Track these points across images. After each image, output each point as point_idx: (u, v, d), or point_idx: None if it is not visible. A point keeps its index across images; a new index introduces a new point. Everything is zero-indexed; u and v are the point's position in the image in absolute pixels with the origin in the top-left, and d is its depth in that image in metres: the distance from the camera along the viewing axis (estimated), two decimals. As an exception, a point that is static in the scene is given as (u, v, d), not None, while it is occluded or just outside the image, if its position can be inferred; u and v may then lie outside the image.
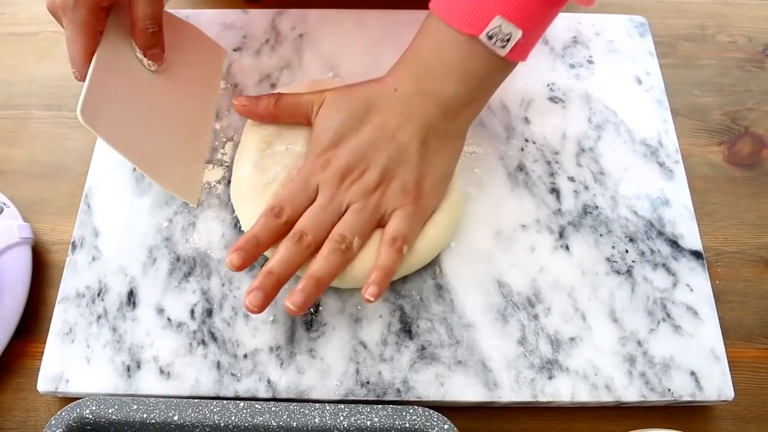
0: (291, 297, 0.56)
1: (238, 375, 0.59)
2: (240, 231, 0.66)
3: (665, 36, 0.82)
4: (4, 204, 0.68)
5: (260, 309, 0.56)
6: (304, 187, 0.61)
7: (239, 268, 0.58)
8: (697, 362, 0.60)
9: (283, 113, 0.66)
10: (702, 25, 0.84)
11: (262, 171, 0.64)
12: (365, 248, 0.60)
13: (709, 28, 0.84)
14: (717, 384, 0.59)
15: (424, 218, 0.62)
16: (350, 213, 0.60)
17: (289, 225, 0.60)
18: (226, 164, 0.69)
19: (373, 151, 0.61)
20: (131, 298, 0.63)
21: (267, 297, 0.57)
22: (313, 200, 0.61)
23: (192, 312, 0.62)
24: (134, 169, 0.69)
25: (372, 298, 0.56)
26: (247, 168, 0.64)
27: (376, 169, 0.61)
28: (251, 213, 0.62)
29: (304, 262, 0.59)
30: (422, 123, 0.62)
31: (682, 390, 0.59)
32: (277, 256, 0.58)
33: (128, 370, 0.60)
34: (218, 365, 0.60)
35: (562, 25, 0.79)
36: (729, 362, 0.60)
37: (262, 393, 0.59)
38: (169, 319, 0.62)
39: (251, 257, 0.58)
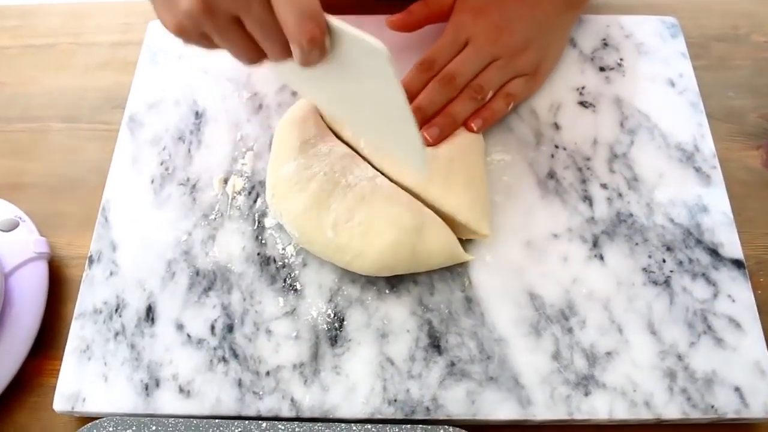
0: (428, 129, 0.64)
1: (261, 393, 0.58)
2: (261, 243, 0.64)
3: (697, 37, 0.79)
4: (20, 218, 0.67)
5: None
6: (453, 41, 0.68)
7: None
8: (742, 377, 0.57)
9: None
10: (735, 24, 0.81)
11: (306, 168, 0.62)
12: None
13: (742, 27, 0.81)
14: (763, 399, 0.56)
15: (534, 91, 0.72)
16: (494, 68, 0.67)
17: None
18: (246, 175, 0.68)
19: (517, 17, 0.69)
20: (150, 313, 0.62)
21: None
22: (460, 52, 0.67)
23: (212, 328, 0.61)
24: (152, 181, 0.68)
25: (476, 129, 0.66)
26: (291, 166, 0.63)
27: (522, 34, 0.68)
28: (299, 203, 0.61)
29: (448, 103, 0.65)
30: (556, 5, 0.70)
31: (726, 407, 0.56)
32: (426, 96, 0.65)
33: (147, 388, 0.58)
34: (240, 383, 0.58)
35: (591, 28, 0.77)
36: None
37: (286, 412, 0.57)
38: (188, 336, 0.60)
39: None
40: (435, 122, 0.64)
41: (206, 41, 0.52)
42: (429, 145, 0.64)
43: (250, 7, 0.47)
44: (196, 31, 0.50)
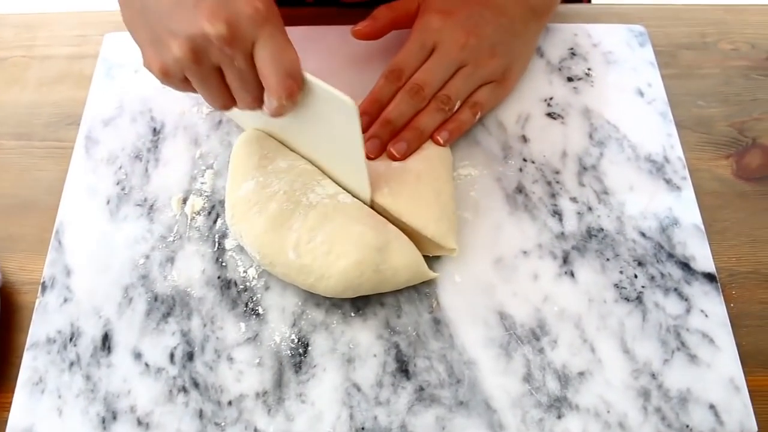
0: (396, 144, 0.63)
1: (223, 424, 0.56)
2: (222, 266, 0.62)
3: (665, 45, 0.78)
4: (-31, 243, 0.64)
5: (377, 155, 0.63)
6: (420, 47, 0.67)
7: (366, 130, 0.63)
8: (716, 394, 0.56)
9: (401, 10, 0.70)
10: (703, 32, 0.80)
11: (264, 187, 0.60)
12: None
13: (710, 35, 0.80)
14: (738, 417, 0.55)
15: (503, 99, 0.71)
16: (461, 76, 0.66)
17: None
18: (205, 194, 0.66)
19: (484, 22, 0.68)
20: (106, 342, 0.59)
21: (383, 145, 0.63)
22: (427, 59, 0.66)
23: (171, 356, 0.58)
24: (108, 202, 0.65)
25: (443, 142, 0.64)
26: (250, 185, 0.61)
27: (489, 38, 0.67)
28: (258, 224, 0.59)
29: (416, 115, 0.64)
30: (522, 11, 0.69)
31: (701, 425, 0.55)
32: (395, 107, 0.64)
33: (103, 422, 0.56)
34: (201, 414, 0.56)
35: (558, 37, 0.76)
36: (750, 392, 0.56)
37: None
38: (146, 365, 0.58)
39: (374, 119, 0.64)
40: (402, 137, 0.63)
41: (185, 85, 0.55)
42: (396, 160, 0.63)
43: (234, 61, 0.51)
44: (180, 76, 0.54)
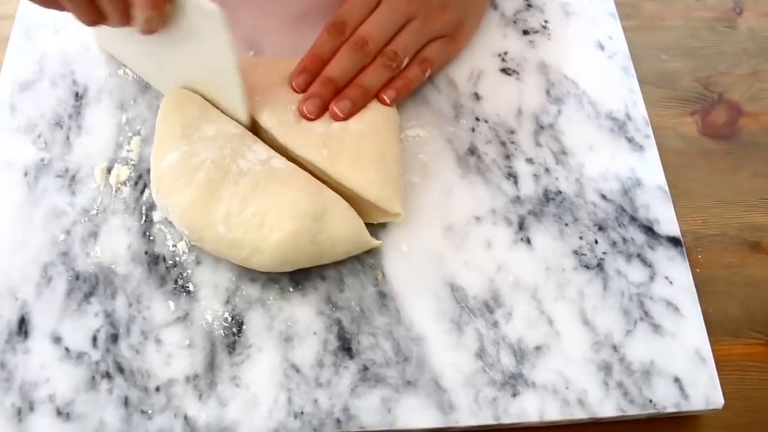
0: (338, 103, 0.58)
1: (150, 412, 0.51)
2: (149, 240, 0.57)
3: (627, -5, 0.75)
4: None
5: (317, 116, 0.58)
6: (365, 0, 0.62)
7: (304, 89, 0.59)
8: (681, 366, 0.53)
9: None
10: (666, -19, 0.77)
11: (190, 156, 0.56)
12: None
13: (673, -15, 0.77)
14: (704, 390, 0.53)
15: (454, 56, 0.67)
16: (409, 30, 0.62)
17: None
18: (132, 162, 0.61)
19: None
20: (22, 326, 0.55)
21: (324, 105, 0.59)
22: (373, 12, 0.62)
23: (94, 339, 0.54)
24: (25, 174, 0.60)
25: (389, 101, 0.60)
26: (174, 155, 0.56)
27: None
28: (185, 198, 0.54)
29: (360, 72, 0.60)
30: None
31: (665, 400, 0.52)
32: (337, 64, 0.60)
33: (19, 413, 0.52)
34: (126, 401, 0.52)
35: (513, -14, 0.72)
36: (716, 363, 0.54)
37: None
38: (67, 349, 0.54)
39: (315, 77, 0.60)
40: (346, 94, 0.59)
41: (52, 2, 0.53)
42: (339, 119, 0.58)
43: None
44: None
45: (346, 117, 0.58)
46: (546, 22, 0.70)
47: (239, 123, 0.59)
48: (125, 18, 0.52)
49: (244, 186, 0.54)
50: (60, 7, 0.53)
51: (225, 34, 0.52)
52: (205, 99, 0.60)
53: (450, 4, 0.63)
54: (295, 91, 0.60)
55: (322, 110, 0.59)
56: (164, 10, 0.52)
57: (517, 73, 0.67)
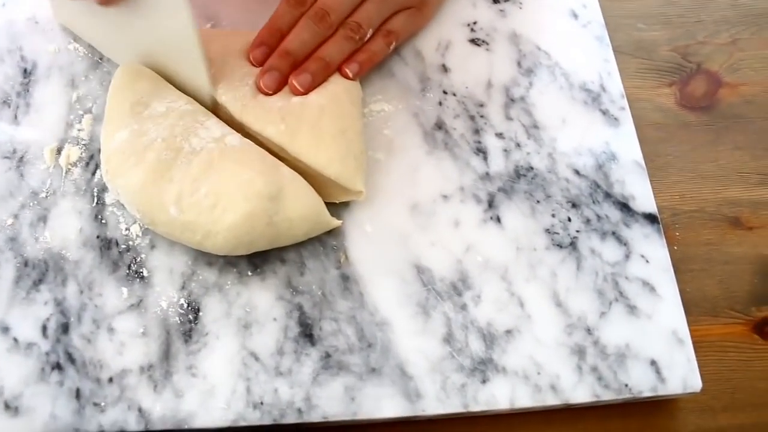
0: (298, 77, 0.56)
1: (103, 404, 0.49)
2: (102, 223, 0.55)
3: (601, -39, 0.72)
4: None
5: (275, 90, 0.56)
6: None
7: (262, 63, 0.57)
8: (658, 348, 0.52)
9: None
10: (642, -54, 0.74)
11: (140, 135, 0.53)
12: None
13: (649, -51, 0.74)
14: (681, 373, 0.51)
15: (421, 27, 0.65)
16: (372, 2, 0.59)
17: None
18: (83, 142, 0.58)
19: None
20: (-32, 315, 0.52)
21: (283, 78, 0.56)
22: None
23: (44, 329, 0.52)
24: (-30, 155, 0.57)
25: (351, 75, 0.58)
26: (123, 135, 0.54)
27: None
28: (135, 179, 0.52)
29: (321, 44, 0.58)
30: None
31: (641, 384, 0.51)
32: (296, 36, 0.57)
33: (-35, 407, 0.49)
34: (78, 393, 0.50)
35: (482, -47, 0.69)
36: (694, 345, 0.52)
37: (133, 425, 0.49)
38: (15, 340, 0.51)
39: (273, 50, 0.58)
40: (305, 67, 0.57)
41: None
42: (299, 94, 0.56)
43: None
44: None
45: (306, 91, 0.56)
46: (517, -11, 0.68)
47: (202, 98, 0.57)
48: None
49: (196, 165, 0.51)
50: None
51: (186, 8, 0.50)
52: (167, 74, 0.58)
53: None
54: (253, 64, 0.57)
55: (280, 84, 0.56)
56: None
57: (487, 44, 0.65)
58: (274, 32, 0.58)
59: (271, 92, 0.56)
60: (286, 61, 0.56)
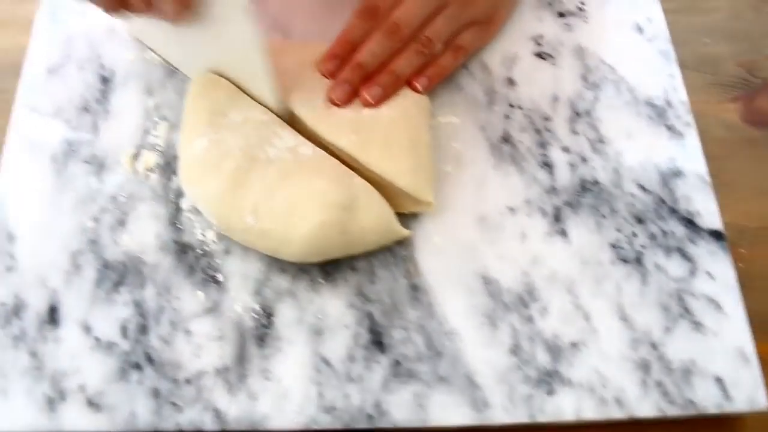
0: (369, 90, 0.57)
1: (180, 404, 0.51)
2: (178, 228, 0.57)
3: (667, -24, 0.72)
4: None
5: (346, 102, 0.57)
6: None
7: (334, 75, 0.58)
8: (723, 366, 0.52)
9: None
10: (709, -40, 0.74)
11: (218, 144, 0.55)
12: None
13: (717, -36, 0.74)
14: (747, 391, 0.51)
15: (488, 42, 0.65)
16: (443, 16, 0.60)
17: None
18: (159, 148, 0.61)
19: None
20: (53, 314, 0.54)
21: (354, 91, 0.58)
22: None
23: (124, 329, 0.54)
24: (53, 159, 0.61)
25: (421, 88, 0.59)
26: (202, 143, 0.55)
27: None
28: (213, 187, 0.54)
29: (392, 58, 0.59)
30: None
31: (706, 400, 0.51)
32: (368, 49, 0.58)
33: (51, 402, 0.51)
34: (156, 393, 0.51)
35: (548, -34, 0.70)
36: (760, 363, 0.52)
37: (209, 425, 0.50)
38: (97, 339, 0.53)
39: (345, 62, 0.59)
40: (377, 80, 0.58)
41: None
42: (369, 106, 0.57)
43: None
44: None
45: (377, 104, 0.57)
46: (582, 3, 0.68)
47: (273, 107, 0.58)
48: (148, 7, 0.52)
49: (272, 174, 0.53)
50: None
51: (252, 22, 0.51)
52: (235, 85, 0.59)
53: None
54: (325, 76, 0.58)
55: (351, 97, 0.57)
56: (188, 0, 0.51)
57: (553, 58, 0.65)
58: (346, 45, 0.59)
59: (342, 104, 0.57)
60: (357, 73, 0.58)
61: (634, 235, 0.56)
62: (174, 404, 0.51)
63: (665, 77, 0.64)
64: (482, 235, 0.56)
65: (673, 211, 0.57)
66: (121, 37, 0.66)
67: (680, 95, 0.63)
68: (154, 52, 0.65)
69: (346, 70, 0.58)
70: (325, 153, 0.55)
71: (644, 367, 0.51)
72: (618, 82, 0.64)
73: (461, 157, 0.60)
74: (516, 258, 0.55)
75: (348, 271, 0.55)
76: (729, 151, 0.63)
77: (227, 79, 0.59)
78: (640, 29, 0.67)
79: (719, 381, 0.51)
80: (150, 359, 0.52)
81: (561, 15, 0.68)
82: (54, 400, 0.51)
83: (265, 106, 0.58)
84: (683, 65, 0.65)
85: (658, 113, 0.62)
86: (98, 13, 0.65)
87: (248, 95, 0.59)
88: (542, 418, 0.50)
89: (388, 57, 0.59)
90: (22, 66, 0.65)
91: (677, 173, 0.59)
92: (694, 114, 0.62)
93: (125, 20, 0.64)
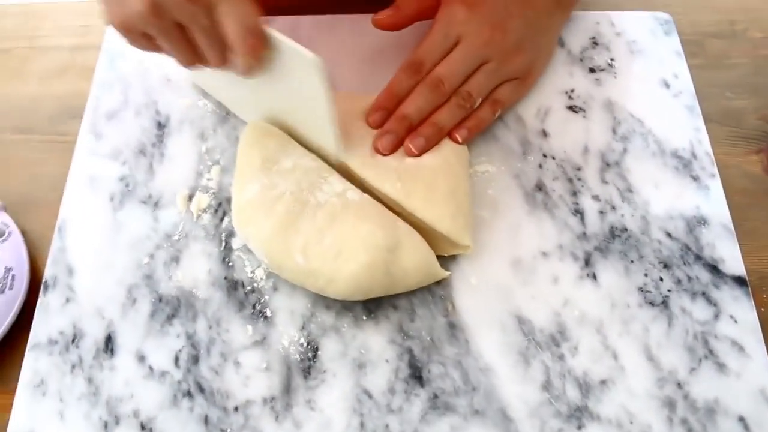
0: (413, 140, 0.60)
1: (228, 431, 0.54)
2: (229, 266, 0.60)
3: (692, 34, 0.75)
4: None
5: (391, 151, 0.60)
6: (443, 40, 0.63)
7: (379, 126, 0.61)
8: (746, 405, 0.54)
9: None
10: (731, 20, 0.77)
11: (270, 189, 0.58)
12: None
13: (739, 23, 0.77)
14: (769, 430, 0.53)
15: (524, 96, 0.68)
16: (483, 72, 0.63)
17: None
18: (212, 191, 0.64)
19: (510, 15, 0.64)
20: (109, 344, 0.57)
21: (399, 141, 0.60)
22: (450, 52, 0.63)
23: (176, 359, 0.57)
24: (111, 199, 0.63)
25: (461, 140, 0.62)
26: (255, 188, 0.58)
27: (515, 33, 0.64)
28: (265, 228, 0.56)
29: (434, 111, 0.62)
30: (548, 3, 0.66)
31: None
32: (412, 102, 0.61)
33: (106, 426, 0.54)
34: (206, 420, 0.54)
35: (580, 25, 0.73)
36: None
37: None
38: (150, 368, 0.56)
39: (390, 114, 0.61)
40: (420, 132, 0.61)
41: (148, 42, 0.54)
42: (412, 155, 0.60)
43: (195, 17, 0.51)
44: (141, 31, 0.53)
45: (420, 153, 0.60)
46: (612, 60, 0.71)
47: (326, 155, 0.61)
48: (221, 61, 0.54)
49: (321, 218, 0.56)
50: (159, 50, 0.55)
51: (323, 80, 0.53)
52: (294, 133, 0.62)
53: (524, 47, 0.65)
54: (372, 127, 0.62)
55: (396, 145, 0.60)
56: (260, 55, 0.54)
57: (584, 111, 0.68)
58: (392, 97, 0.62)
59: (387, 153, 0.60)
60: (402, 125, 0.61)
61: (661, 279, 0.58)
62: (223, 431, 0.53)
63: (691, 130, 0.66)
64: (516, 277, 0.59)
65: (698, 258, 0.59)
66: (176, 85, 0.70)
67: (705, 147, 0.65)
68: (215, 98, 0.69)
69: (392, 121, 0.61)
70: (371, 198, 0.58)
71: (670, 405, 0.53)
72: (646, 135, 0.66)
73: (497, 204, 0.62)
74: (548, 299, 0.58)
75: (389, 309, 0.58)
76: (752, 201, 0.65)
77: (285, 125, 0.62)
78: (666, 84, 0.69)
79: (742, 420, 0.53)
80: (201, 388, 0.55)
81: (591, 71, 0.70)
82: (109, 424, 0.54)
83: (317, 154, 0.61)
84: (707, 118, 0.67)
85: (684, 164, 0.64)
86: (157, 62, 0.70)
87: (303, 143, 0.62)
88: (573, 451, 0.52)
89: (431, 110, 0.62)
90: (81, 110, 0.69)
91: (702, 221, 0.61)
92: (718, 165, 0.64)
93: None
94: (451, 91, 0.62)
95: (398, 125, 0.60)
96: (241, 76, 0.55)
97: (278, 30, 0.53)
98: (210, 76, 0.65)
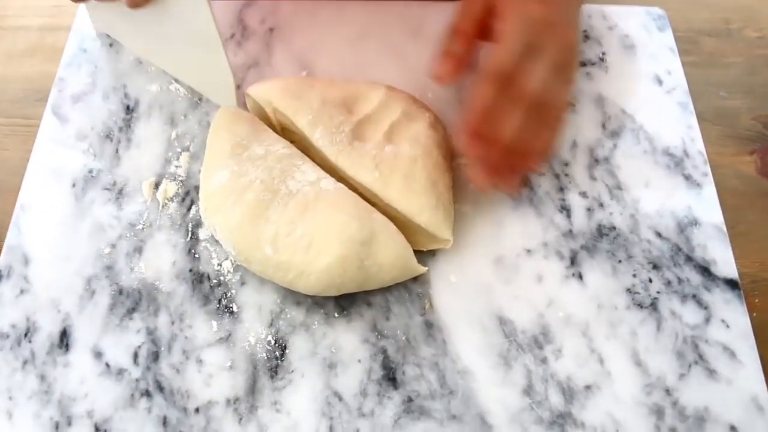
0: (513, 179, 0.56)
1: (189, 433, 0.51)
2: (194, 258, 0.56)
3: (686, 31, 0.73)
4: None
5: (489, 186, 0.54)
6: (525, 48, 0.51)
7: (482, 158, 0.53)
8: (737, 414, 0.52)
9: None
10: (726, 18, 0.75)
11: (240, 176, 0.55)
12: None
13: (734, 22, 0.75)
14: (761, 440, 0.51)
15: None
16: (558, 82, 0.52)
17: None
18: (180, 178, 0.61)
19: (569, 10, 0.55)
20: (64, 339, 0.54)
21: (498, 171, 0.54)
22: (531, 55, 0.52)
23: (135, 356, 0.54)
24: (73, 185, 0.60)
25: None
26: (224, 175, 0.56)
27: (574, 34, 0.54)
28: (233, 218, 0.54)
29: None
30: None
31: None
32: (513, 128, 0.51)
33: (57, 427, 0.51)
34: (165, 421, 0.51)
35: (570, 17, 0.70)
36: None
37: None
38: (107, 365, 0.53)
39: (487, 140, 0.52)
40: (520, 167, 0.55)
41: None
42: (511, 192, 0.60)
43: None
44: None
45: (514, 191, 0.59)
46: (604, 54, 0.69)
47: (304, 143, 0.59)
48: None
49: (292, 207, 0.53)
50: None
51: (209, 18, 0.54)
52: (196, 88, 0.63)
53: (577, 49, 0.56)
54: (469, 158, 0.54)
55: (497, 179, 0.54)
56: None
57: (573, 106, 0.66)
58: (485, 117, 0.52)
59: (486, 188, 0.54)
60: (504, 156, 0.53)
61: (650, 281, 0.56)
62: (183, 433, 0.50)
63: (683, 128, 0.65)
64: (498, 275, 0.56)
65: (689, 259, 0.57)
66: (146, 69, 0.67)
67: (698, 146, 0.63)
68: (124, 45, 0.69)
69: (494, 153, 0.53)
70: (345, 188, 0.56)
71: (658, 412, 0.51)
72: (637, 131, 0.64)
73: (480, 198, 0.60)
74: (531, 299, 0.55)
75: (363, 306, 0.55)
76: (745, 202, 0.63)
77: (192, 79, 0.63)
78: (659, 81, 0.67)
79: (733, 429, 0.51)
80: (160, 387, 0.52)
81: (582, 65, 0.68)
82: (60, 425, 0.51)
83: (292, 138, 0.59)
84: (701, 117, 0.66)
85: (676, 163, 0.62)
86: (125, 46, 0.67)
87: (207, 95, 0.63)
88: (554, 460, 0.49)
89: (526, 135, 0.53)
90: (48, 93, 0.66)
91: (694, 222, 0.59)
92: (710, 165, 0.63)
93: (95, 16, 0.69)
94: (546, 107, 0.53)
95: (501, 158, 0.53)
96: (129, 7, 0.56)
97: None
98: (111, 21, 0.66)
